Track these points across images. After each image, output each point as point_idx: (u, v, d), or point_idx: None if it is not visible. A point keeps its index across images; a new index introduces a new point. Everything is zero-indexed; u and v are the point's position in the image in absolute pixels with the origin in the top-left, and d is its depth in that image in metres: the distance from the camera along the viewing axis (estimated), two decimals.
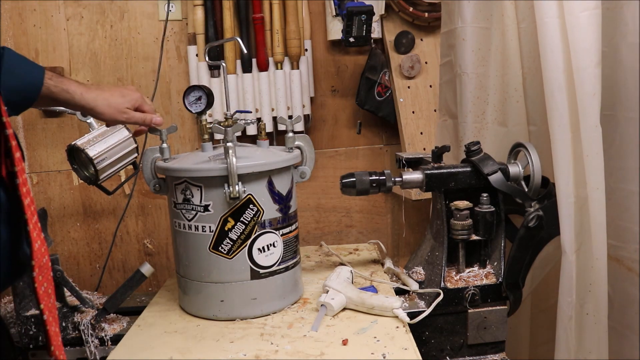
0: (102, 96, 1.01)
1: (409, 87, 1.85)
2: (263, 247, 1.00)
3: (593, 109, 1.00)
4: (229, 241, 0.98)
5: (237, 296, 1.01)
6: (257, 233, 0.99)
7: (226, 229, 0.98)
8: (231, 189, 0.94)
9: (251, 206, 0.98)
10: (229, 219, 0.98)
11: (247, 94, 1.78)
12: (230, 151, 0.94)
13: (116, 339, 1.02)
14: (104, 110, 1.00)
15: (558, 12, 1.02)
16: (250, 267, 1.00)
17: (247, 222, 0.98)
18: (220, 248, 0.99)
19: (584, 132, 1.01)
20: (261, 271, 1.01)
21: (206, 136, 1.08)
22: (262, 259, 1.00)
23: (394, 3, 1.80)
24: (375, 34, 1.80)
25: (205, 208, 0.98)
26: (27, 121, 1.74)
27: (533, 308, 1.39)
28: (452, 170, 1.13)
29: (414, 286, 1.13)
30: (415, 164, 1.22)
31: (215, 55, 1.72)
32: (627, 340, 1.11)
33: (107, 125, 1.11)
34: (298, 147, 1.11)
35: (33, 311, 1.02)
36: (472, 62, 1.29)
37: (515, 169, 1.15)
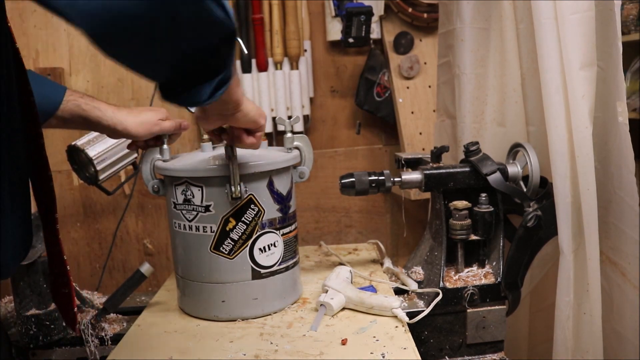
0: (132, 114, 1.01)
1: (408, 88, 1.86)
2: (264, 247, 1.01)
3: (582, 111, 1.01)
4: (230, 241, 0.99)
5: (238, 296, 1.01)
6: (258, 233, 1.00)
7: (227, 229, 0.98)
8: (233, 189, 0.95)
9: (252, 206, 0.98)
10: (231, 219, 0.98)
11: (247, 94, 1.78)
12: (233, 151, 0.94)
13: (116, 338, 1.02)
14: (136, 128, 1.00)
15: (554, 14, 1.03)
16: (252, 267, 1.00)
17: (248, 222, 0.99)
18: (221, 248, 0.99)
19: (575, 133, 1.02)
20: (262, 271, 1.01)
21: (206, 136, 1.09)
22: (263, 259, 1.01)
23: (393, 4, 1.81)
24: (375, 34, 1.81)
25: (207, 208, 0.98)
26: None
27: (532, 308, 1.40)
28: (451, 170, 1.14)
29: (413, 286, 1.13)
30: (414, 164, 1.23)
31: None
32: (626, 342, 1.12)
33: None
34: (297, 148, 1.11)
35: (33, 311, 1.02)
36: (470, 63, 1.29)
37: (514, 169, 1.15)
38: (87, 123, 1.00)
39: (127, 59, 0.56)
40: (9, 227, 0.71)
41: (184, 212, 1.00)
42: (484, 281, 1.11)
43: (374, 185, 1.13)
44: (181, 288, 1.08)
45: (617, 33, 1.01)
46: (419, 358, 0.86)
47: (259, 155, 1.03)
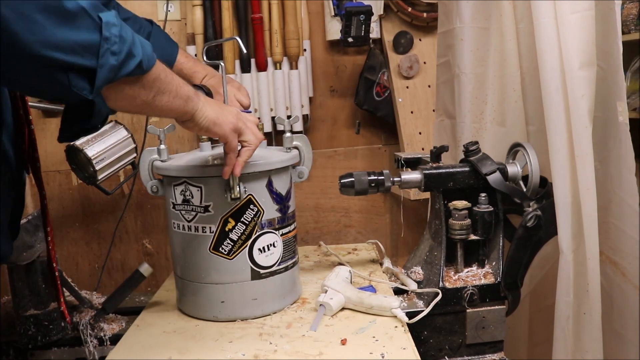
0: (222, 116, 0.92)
1: (407, 87, 1.86)
2: (263, 247, 1.00)
3: (582, 111, 1.01)
4: (229, 242, 0.98)
5: (237, 297, 1.01)
6: (257, 233, 0.99)
7: (227, 229, 0.98)
8: (232, 189, 0.94)
9: (251, 206, 0.98)
10: (230, 219, 0.98)
11: None
12: None
13: (115, 339, 1.02)
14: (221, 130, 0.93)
15: (554, 13, 1.02)
16: (251, 267, 1.00)
17: (247, 223, 0.98)
18: (220, 249, 0.99)
19: (575, 132, 1.02)
20: (262, 271, 1.01)
21: (204, 136, 1.08)
22: (262, 259, 1.01)
23: (393, 3, 1.81)
24: (374, 34, 1.81)
25: (206, 209, 0.98)
26: None
27: (531, 308, 1.39)
28: (451, 170, 1.14)
29: (412, 286, 1.13)
30: (413, 164, 1.23)
31: (214, 56, 1.72)
32: (626, 342, 1.12)
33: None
34: (296, 147, 1.11)
35: (32, 311, 1.02)
36: (470, 62, 1.29)
37: (513, 169, 1.15)
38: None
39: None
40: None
41: (183, 212, 1.00)
42: (483, 281, 1.11)
43: (373, 185, 1.13)
44: (180, 288, 1.07)
45: (617, 32, 1.01)
46: (418, 358, 0.86)
47: (258, 155, 1.03)
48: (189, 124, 0.87)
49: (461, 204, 1.10)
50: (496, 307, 1.11)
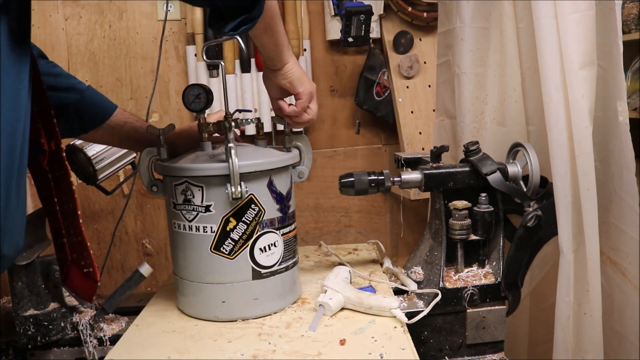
0: (176, 132, 1.10)
1: (407, 87, 1.86)
2: (264, 247, 1.00)
3: (583, 110, 1.01)
4: (230, 241, 0.98)
5: (239, 297, 1.01)
6: (258, 233, 0.99)
7: (228, 229, 0.98)
8: (233, 189, 0.94)
9: (253, 206, 0.98)
10: (231, 219, 0.98)
11: (246, 94, 1.78)
12: (233, 151, 0.94)
13: (115, 339, 1.02)
14: (183, 145, 1.11)
15: (554, 13, 1.02)
16: (252, 267, 1.00)
17: (249, 222, 0.98)
18: (221, 248, 0.99)
19: (575, 132, 1.02)
20: (262, 271, 1.01)
21: (205, 135, 1.08)
22: (263, 258, 1.00)
23: (393, 3, 1.81)
24: (374, 33, 1.81)
25: (207, 208, 0.98)
26: None
27: (532, 308, 1.39)
28: (451, 170, 1.14)
29: (412, 286, 1.13)
30: (413, 163, 1.23)
31: (214, 56, 1.72)
32: (626, 342, 1.12)
33: None
34: (296, 147, 1.11)
35: (31, 311, 1.02)
36: (470, 62, 1.29)
37: (514, 169, 1.15)
38: (140, 143, 1.10)
39: None
40: (12, 220, 0.78)
41: (183, 212, 1.00)
42: (483, 281, 1.11)
43: (373, 185, 1.13)
44: (180, 288, 1.07)
45: (617, 32, 1.01)
46: (417, 358, 0.86)
47: (259, 155, 1.03)
48: (277, 74, 0.98)
49: (461, 204, 1.10)
50: (496, 307, 1.11)
